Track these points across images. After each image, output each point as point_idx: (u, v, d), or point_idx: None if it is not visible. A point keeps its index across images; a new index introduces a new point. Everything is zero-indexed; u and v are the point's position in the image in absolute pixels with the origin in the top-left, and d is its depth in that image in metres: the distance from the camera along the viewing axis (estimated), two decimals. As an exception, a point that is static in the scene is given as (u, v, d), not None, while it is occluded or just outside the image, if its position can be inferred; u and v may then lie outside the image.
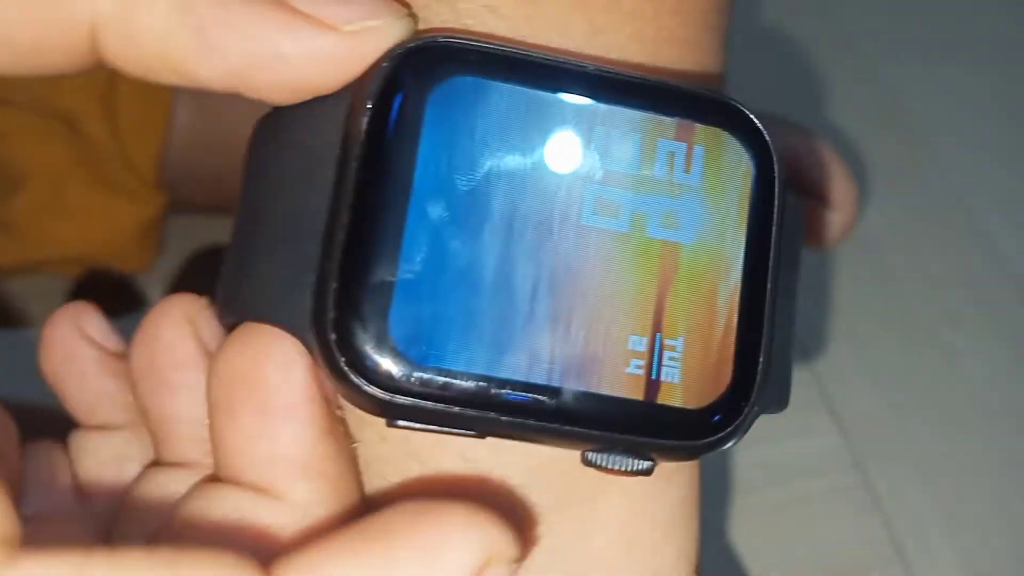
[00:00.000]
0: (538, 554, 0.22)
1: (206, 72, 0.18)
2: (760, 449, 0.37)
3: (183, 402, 0.21)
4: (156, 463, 0.22)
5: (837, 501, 0.36)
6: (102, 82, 0.34)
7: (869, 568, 0.35)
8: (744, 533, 0.35)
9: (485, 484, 0.21)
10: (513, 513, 0.22)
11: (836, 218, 0.36)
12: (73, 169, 0.35)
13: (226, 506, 0.19)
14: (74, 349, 0.22)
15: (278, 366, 0.19)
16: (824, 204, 0.36)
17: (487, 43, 0.19)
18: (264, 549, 0.18)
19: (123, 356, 0.23)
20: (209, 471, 0.21)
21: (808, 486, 0.36)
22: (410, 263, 0.18)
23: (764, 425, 0.36)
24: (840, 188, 0.36)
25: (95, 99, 0.34)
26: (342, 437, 0.20)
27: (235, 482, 0.19)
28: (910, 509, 0.36)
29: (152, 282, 0.37)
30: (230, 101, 0.20)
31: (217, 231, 0.38)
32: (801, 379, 0.39)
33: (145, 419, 0.22)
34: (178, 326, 0.21)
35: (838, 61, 0.48)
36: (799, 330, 0.39)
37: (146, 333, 0.21)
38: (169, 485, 0.21)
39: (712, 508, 0.36)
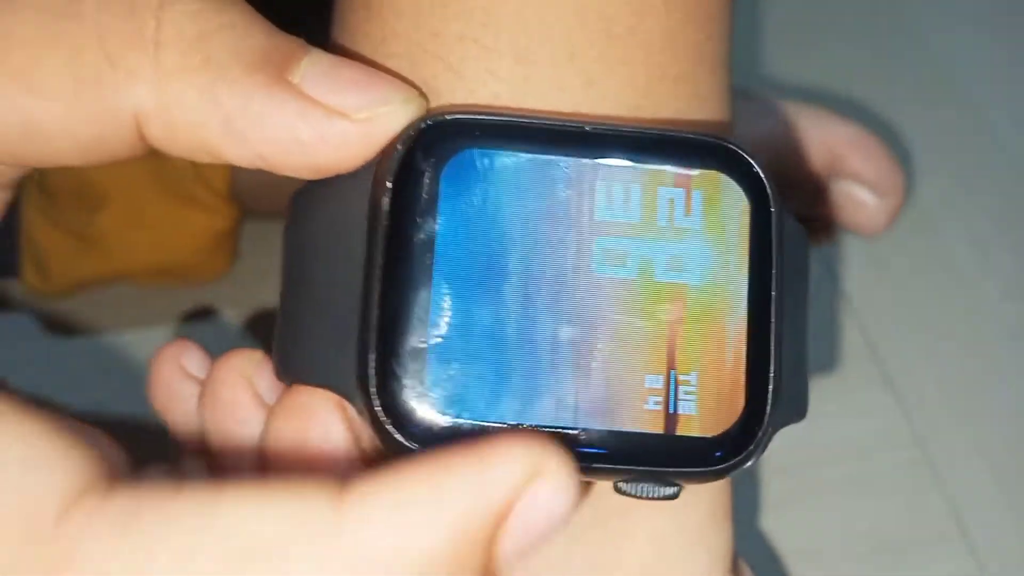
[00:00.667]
0: (576, 567, 0.24)
1: (235, 155, 0.20)
2: (820, 427, 0.38)
3: (242, 460, 0.24)
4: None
5: (897, 478, 0.37)
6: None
7: (930, 544, 0.35)
8: (804, 510, 0.36)
9: None
10: None
11: (883, 205, 0.37)
12: (150, 186, 0.37)
13: None
14: (177, 386, 0.25)
15: (324, 423, 0.21)
16: (872, 191, 0.37)
17: (491, 115, 0.20)
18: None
19: None
20: None
21: (868, 464, 0.37)
22: (438, 328, 0.20)
23: (824, 404, 0.37)
24: (886, 175, 0.37)
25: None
26: None
27: None
28: (972, 486, 0.36)
29: (228, 288, 0.40)
30: None
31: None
32: (860, 357, 0.39)
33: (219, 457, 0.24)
34: (236, 385, 0.24)
35: (888, 33, 0.48)
36: (857, 307, 0.40)
37: (210, 393, 0.24)
38: None
39: (770, 485, 0.36)
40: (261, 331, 0.39)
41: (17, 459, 0.17)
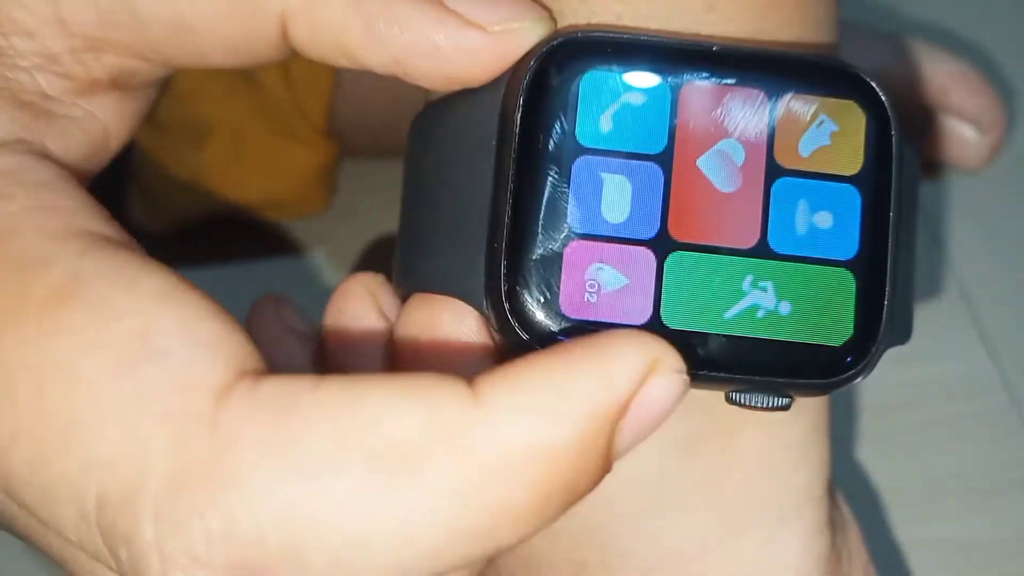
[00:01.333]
0: (687, 480, 0.24)
1: (373, 59, 0.21)
2: (910, 369, 0.38)
3: (371, 364, 0.25)
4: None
5: (983, 423, 0.36)
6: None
7: (1015, 488, 0.35)
8: (886, 450, 0.36)
9: None
10: None
11: (984, 141, 0.36)
12: (253, 121, 0.38)
13: None
14: (278, 337, 0.26)
15: (453, 317, 0.22)
16: (974, 126, 0.37)
17: (621, 33, 0.21)
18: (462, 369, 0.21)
19: (315, 338, 0.26)
20: None
21: (953, 407, 0.37)
22: (566, 237, 0.21)
23: (913, 346, 0.37)
24: (988, 110, 0.36)
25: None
26: None
27: None
28: (1060, 433, 0.36)
29: (324, 224, 0.41)
30: None
31: (381, 175, 0.41)
32: (952, 301, 0.39)
33: None
34: (362, 299, 0.25)
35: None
36: (951, 252, 0.39)
37: (335, 308, 0.25)
38: None
39: (859, 423, 0.37)
40: (358, 265, 0.40)
41: (182, 335, 0.18)
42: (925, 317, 0.38)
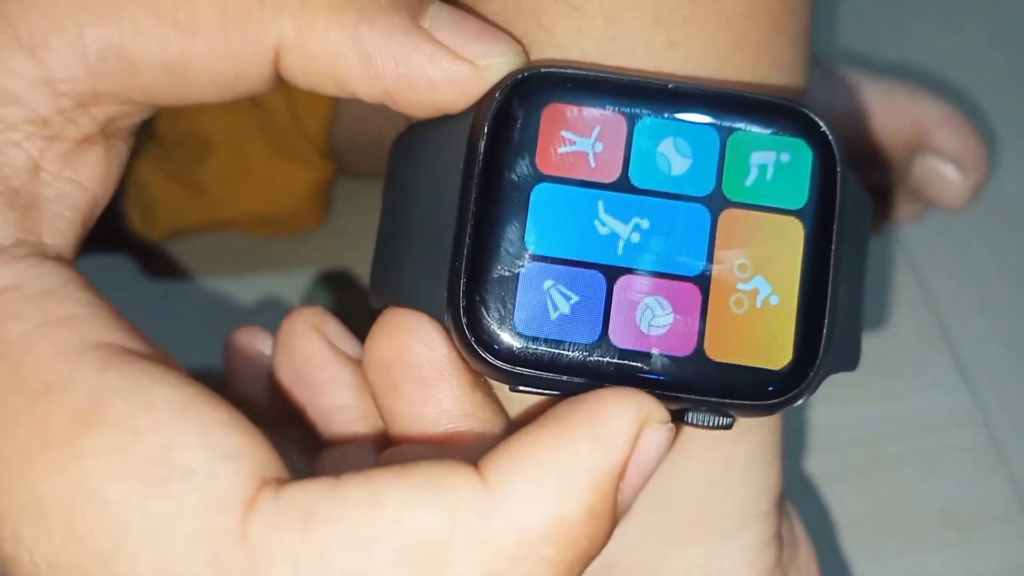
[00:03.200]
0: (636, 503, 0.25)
1: (365, 90, 0.22)
2: (889, 404, 0.38)
3: (335, 394, 0.25)
4: (324, 447, 0.26)
5: (963, 457, 0.37)
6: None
7: (993, 523, 0.36)
8: (868, 484, 0.37)
9: None
10: None
11: (966, 182, 0.37)
12: (253, 138, 0.39)
13: (419, 458, 0.22)
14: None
15: (423, 343, 0.23)
16: (956, 167, 0.38)
17: (580, 69, 0.22)
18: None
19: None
20: (371, 441, 0.25)
21: (935, 442, 0.37)
22: (522, 260, 0.22)
23: (894, 381, 0.38)
24: (971, 151, 0.37)
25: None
26: (485, 385, 0.23)
27: (416, 441, 0.23)
28: (1037, 468, 0.37)
29: (318, 242, 0.41)
30: None
31: (374, 195, 0.42)
32: (932, 337, 0.39)
33: (306, 415, 0.26)
34: (307, 336, 0.25)
35: (975, 18, 0.48)
36: (931, 290, 0.40)
37: (283, 349, 0.26)
38: (352, 455, 0.25)
39: (837, 457, 0.37)
40: (348, 284, 0.40)
41: (203, 450, 0.18)
42: (906, 352, 0.39)
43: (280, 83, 0.22)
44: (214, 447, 0.18)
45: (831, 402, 0.38)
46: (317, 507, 0.18)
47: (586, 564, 0.19)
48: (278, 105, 0.38)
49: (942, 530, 0.36)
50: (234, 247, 0.40)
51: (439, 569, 0.18)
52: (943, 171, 0.38)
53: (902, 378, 0.39)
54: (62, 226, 0.22)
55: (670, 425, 0.19)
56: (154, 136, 0.39)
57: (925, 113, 0.38)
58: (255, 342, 0.27)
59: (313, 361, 0.25)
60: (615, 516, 0.19)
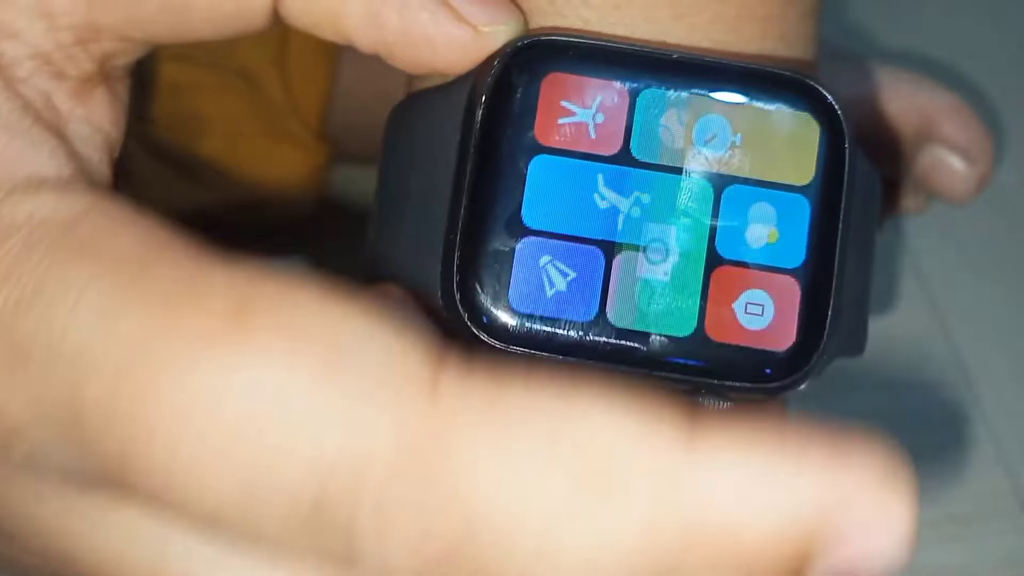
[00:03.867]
0: None
1: (363, 39, 0.21)
2: (886, 398, 0.38)
3: None
4: None
5: (960, 452, 0.37)
6: (275, 40, 0.37)
7: (990, 519, 0.36)
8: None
9: None
10: None
11: (973, 172, 0.37)
12: (249, 120, 0.38)
13: None
14: None
15: None
16: (962, 158, 0.37)
17: (583, 39, 0.21)
18: None
19: None
20: None
21: (932, 437, 0.37)
22: (518, 234, 0.21)
23: (892, 375, 0.37)
24: (977, 142, 0.37)
25: (269, 57, 0.37)
26: None
27: None
28: (1036, 464, 0.37)
29: (310, 228, 0.41)
30: (386, 66, 0.23)
31: (369, 181, 0.41)
32: (930, 332, 0.39)
33: None
34: None
35: (980, 11, 0.48)
36: (930, 285, 0.40)
37: None
38: None
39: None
40: (341, 271, 0.40)
41: (385, 322, 0.17)
42: (903, 347, 0.39)
43: (279, 24, 0.22)
44: (388, 320, 0.17)
45: (825, 395, 0.38)
46: (509, 384, 0.16)
47: None
48: (273, 85, 0.38)
49: (939, 526, 0.36)
50: (227, 231, 0.40)
51: (612, 491, 0.15)
52: (950, 162, 0.37)
53: (899, 373, 0.38)
54: (95, 170, 0.21)
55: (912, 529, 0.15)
56: (144, 115, 0.38)
57: (931, 102, 0.37)
58: None
59: None
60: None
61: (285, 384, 0.17)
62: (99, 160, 0.21)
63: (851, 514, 0.15)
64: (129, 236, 0.18)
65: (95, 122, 0.22)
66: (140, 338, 0.17)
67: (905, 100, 0.37)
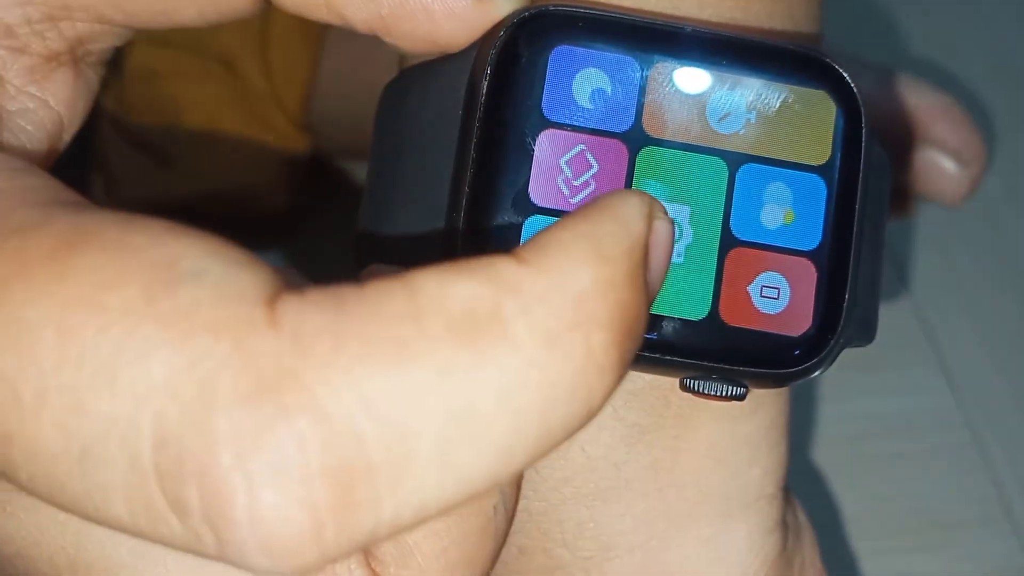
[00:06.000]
0: (636, 468, 0.24)
1: (358, 15, 0.20)
2: (871, 402, 0.38)
3: None
4: None
5: (945, 458, 0.37)
6: (257, 26, 0.36)
7: (974, 524, 0.35)
8: (847, 483, 0.36)
9: None
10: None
11: (965, 174, 0.37)
12: (227, 107, 0.37)
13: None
14: None
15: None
16: (955, 160, 0.37)
17: (592, 9, 0.21)
18: None
19: None
20: None
21: (916, 442, 0.37)
22: (525, 207, 0.20)
23: (878, 380, 0.37)
24: (969, 144, 0.37)
25: (250, 42, 0.36)
26: None
27: None
28: (1021, 470, 0.36)
29: (287, 222, 0.40)
30: (371, 53, 0.22)
31: (349, 175, 0.40)
32: (915, 337, 0.39)
33: None
34: None
35: (968, 16, 0.48)
36: (915, 289, 0.40)
37: None
38: None
39: (816, 456, 0.37)
40: (316, 267, 0.39)
41: (212, 256, 0.16)
42: (888, 351, 0.39)
43: (266, 6, 0.21)
44: (225, 254, 0.16)
45: (811, 401, 0.37)
46: (347, 295, 0.16)
47: (632, 347, 0.17)
48: (254, 74, 0.37)
49: (924, 531, 0.35)
50: (204, 224, 0.39)
51: (496, 334, 0.15)
52: (943, 164, 0.37)
53: (884, 378, 0.38)
54: (24, 140, 0.20)
55: (671, 217, 0.18)
56: (120, 101, 0.37)
57: (924, 103, 0.37)
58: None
59: None
60: (649, 294, 0.17)
61: (109, 302, 0.15)
62: (37, 139, 0.21)
63: (646, 230, 0.17)
64: (10, 190, 0.17)
65: (50, 101, 0.21)
66: None
67: (897, 102, 0.37)
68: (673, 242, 0.18)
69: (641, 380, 0.23)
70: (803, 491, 0.36)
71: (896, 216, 0.40)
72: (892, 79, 0.37)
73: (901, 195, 0.39)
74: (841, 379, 0.35)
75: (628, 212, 0.17)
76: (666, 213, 0.18)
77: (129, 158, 0.38)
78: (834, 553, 0.35)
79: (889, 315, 0.39)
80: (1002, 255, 0.41)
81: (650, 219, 0.17)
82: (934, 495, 0.36)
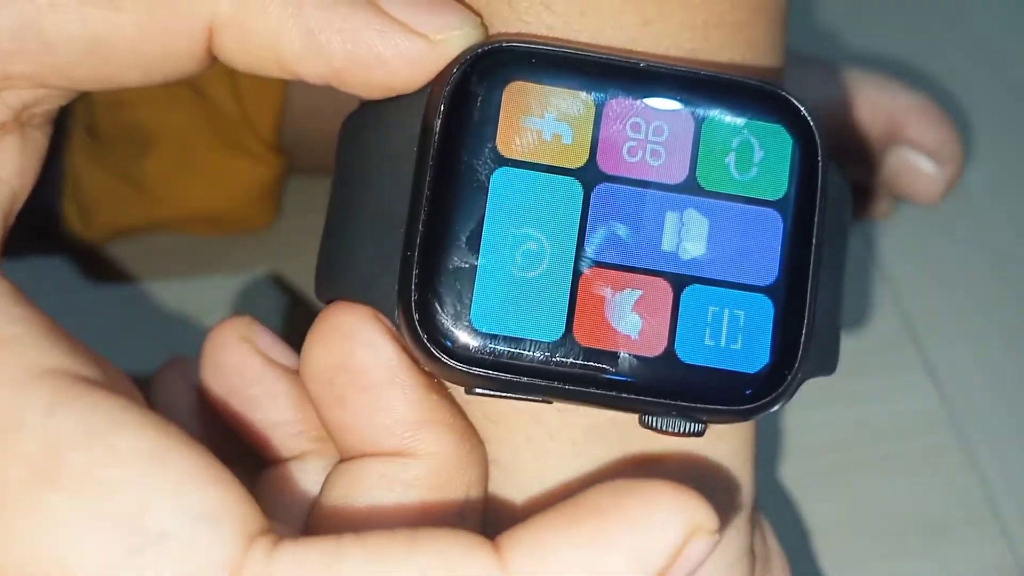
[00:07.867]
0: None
1: (310, 70, 0.20)
2: (858, 407, 0.37)
3: (272, 409, 0.23)
4: (268, 465, 0.24)
5: (933, 460, 0.36)
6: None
7: (963, 526, 0.35)
8: (836, 490, 0.36)
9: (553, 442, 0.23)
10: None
11: (942, 174, 0.37)
12: (198, 132, 0.37)
13: (372, 476, 0.21)
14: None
15: (367, 346, 0.21)
16: (931, 159, 0.37)
17: (545, 45, 0.21)
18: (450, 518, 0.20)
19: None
20: (316, 454, 0.23)
21: (904, 445, 0.37)
22: (479, 250, 0.20)
23: (863, 384, 0.37)
24: (946, 144, 0.37)
25: (218, 66, 0.36)
26: (440, 386, 0.22)
27: (368, 455, 0.21)
28: (1008, 471, 0.36)
29: (270, 241, 0.40)
30: None
31: (326, 194, 0.40)
32: (900, 340, 0.39)
33: (245, 434, 0.24)
34: (237, 348, 0.23)
35: (946, 13, 0.47)
36: (900, 291, 0.40)
37: (212, 364, 0.24)
38: (297, 475, 0.23)
39: (805, 461, 0.36)
40: (297, 287, 0.39)
41: (179, 511, 0.17)
42: (873, 355, 0.38)
43: (213, 64, 0.21)
44: (191, 506, 0.17)
45: (797, 407, 0.37)
46: (312, 568, 0.17)
47: None
48: (223, 97, 0.37)
49: (912, 534, 0.35)
50: (179, 249, 0.39)
51: None
52: (919, 164, 0.37)
53: (870, 381, 0.38)
54: None
55: (717, 536, 0.18)
56: (91, 129, 0.37)
57: (900, 104, 0.37)
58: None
59: (245, 375, 0.23)
60: None
61: (80, 564, 0.16)
62: None
63: (665, 569, 0.17)
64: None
65: (2, 175, 0.21)
66: None
67: (872, 102, 0.37)
68: (707, 556, 0.18)
69: (602, 415, 0.23)
70: (789, 498, 0.36)
71: (870, 217, 0.40)
72: (867, 80, 0.37)
73: (873, 196, 0.39)
74: (825, 385, 0.35)
75: (657, 542, 0.17)
76: (714, 527, 0.18)
77: (103, 186, 0.37)
78: (820, 560, 0.34)
79: (872, 316, 0.39)
80: (986, 251, 0.41)
81: (681, 548, 0.17)
82: (922, 498, 0.36)
